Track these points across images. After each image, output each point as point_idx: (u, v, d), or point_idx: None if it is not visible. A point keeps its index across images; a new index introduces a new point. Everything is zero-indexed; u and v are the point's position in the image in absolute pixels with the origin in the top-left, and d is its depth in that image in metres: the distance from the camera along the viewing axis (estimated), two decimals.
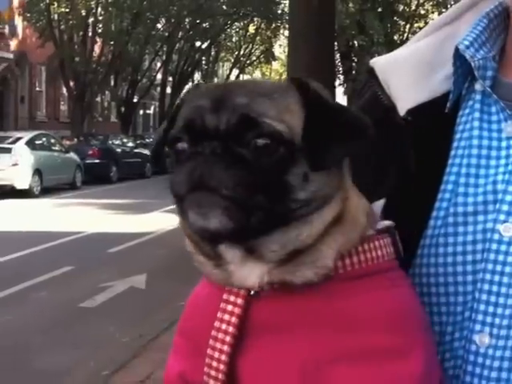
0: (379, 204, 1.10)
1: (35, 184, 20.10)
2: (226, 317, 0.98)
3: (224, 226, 0.90)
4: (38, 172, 20.20)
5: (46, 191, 20.30)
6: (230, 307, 0.98)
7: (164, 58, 39.61)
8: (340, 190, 0.97)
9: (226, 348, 0.97)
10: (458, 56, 1.08)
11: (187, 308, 1.09)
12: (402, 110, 1.12)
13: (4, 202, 18.05)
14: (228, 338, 0.97)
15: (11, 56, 33.13)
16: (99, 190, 21.87)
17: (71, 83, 31.85)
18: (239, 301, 0.97)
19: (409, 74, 1.14)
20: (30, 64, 34.87)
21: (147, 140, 32.59)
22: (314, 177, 0.93)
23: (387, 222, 1.03)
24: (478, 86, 1.09)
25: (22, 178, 19.43)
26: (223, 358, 0.98)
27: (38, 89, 36.74)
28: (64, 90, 34.99)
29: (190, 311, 1.08)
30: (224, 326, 0.98)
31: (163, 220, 13.76)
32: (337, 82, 17.63)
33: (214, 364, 0.98)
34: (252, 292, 0.97)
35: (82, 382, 5.68)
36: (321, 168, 0.93)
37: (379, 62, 1.19)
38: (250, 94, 0.93)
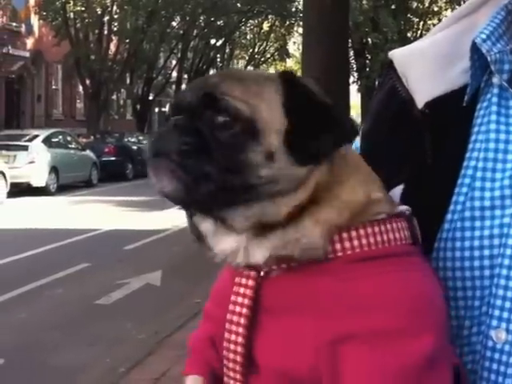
0: (397, 190, 1.10)
1: (52, 182, 20.22)
2: (239, 299, 1.00)
3: (175, 188, 0.95)
4: (54, 169, 20.31)
5: (63, 189, 20.41)
6: (242, 290, 1.00)
7: (179, 55, 39.70)
8: (316, 175, 0.97)
9: (241, 330, 1.00)
10: (476, 49, 1.07)
11: (212, 292, 1.13)
12: (419, 102, 1.11)
13: (21, 200, 18.16)
14: (242, 320, 0.99)
15: (27, 54, 33.36)
16: (115, 187, 21.96)
17: (87, 81, 32.02)
18: (250, 282, 1.00)
19: (427, 66, 1.13)
20: (46, 62, 35.09)
21: None
22: (281, 157, 0.95)
23: (403, 207, 1.03)
24: (495, 80, 1.08)
25: (39, 176, 19.54)
26: (240, 340, 1.00)
27: (54, 87, 36.97)
28: (80, 88, 35.16)
29: (214, 295, 1.12)
30: (238, 309, 1.00)
31: (178, 217, 13.72)
32: (350, 80, 17.55)
33: (232, 347, 1.01)
34: (261, 273, 0.99)
35: (97, 379, 5.68)
36: (304, 162, 0.96)
37: (397, 54, 1.19)
38: (223, 76, 1.01)
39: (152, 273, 9.36)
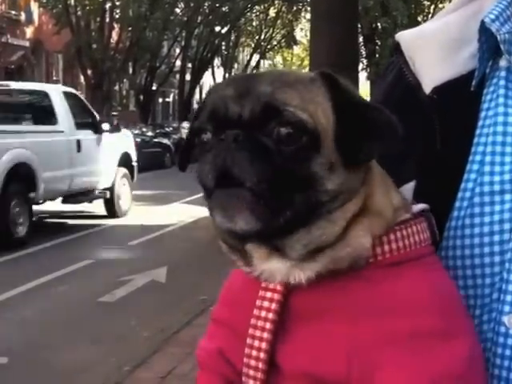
0: (409, 187, 1.11)
1: None
2: (266, 304, 0.99)
3: (252, 228, 0.91)
4: None
5: None
6: (269, 294, 0.99)
7: (183, 43, 39.61)
8: (365, 184, 0.98)
9: (266, 335, 0.98)
10: (484, 31, 1.08)
11: (222, 296, 1.11)
12: (427, 87, 1.13)
13: None
14: (268, 325, 0.98)
15: (27, 44, 33.36)
16: None
17: (89, 71, 31.98)
18: (279, 287, 0.98)
19: (435, 50, 1.14)
20: (46, 52, 35.08)
21: (167, 129, 32.70)
22: (338, 168, 0.94)
23: (422, 206, 1.05)
24: (502, 63, 1.09)
25: None
26: (263, 346, 0.99)
27: (54, 78, 36.91)
28: (81, 78, 35.15)
29: (225, 299, 1.10)
30: (264, 314, 0.99)
31: (184, 212, 13.84)
32: (360, 67, 17.51)
33: (254, 353, 0.99)
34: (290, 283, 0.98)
35: (102, 378, 5.72)
36: (355, 163, 0.95)
37: (405, 37, 1.20)
38: (274, 83, 0.95)
39: (157, 269, 9.40)
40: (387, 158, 1.00)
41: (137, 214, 14.62)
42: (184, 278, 8.81)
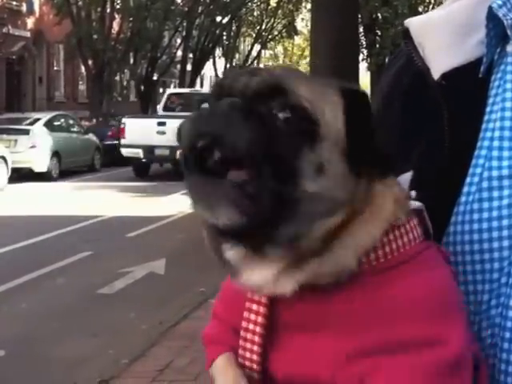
0: (406, 177, 1.09)
1: (53, 167, 20.24)
2: (252, 316, 0.99)
3: (235, 223, 0.86)
4: (56, 154, 20.33)
5: (64, 174, 20.45)
6: (254, 306, 0.99)
7: (184, 34, 39.54)
8: (359, 192, 0.92)
9: (255, 348, 0.99)
10: (492, 17, 1.08)
11: (221, 294, 1.11)
12: (436, 73, 1.13)
13: (22, 186, 18.23)
14: (256, 338, 0.98)
15: (28, 34, 33.32)
16: (118, 172, 21.97)
17: (90, 62, 31.94)
18: (263, 299, 0.97)
19: (444, 36, 1.14)
20: (47, 42, 35.06)
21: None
22: (329, 172, 0.88)
23: (416, 204, 1.01)
24: (510, 49, 1.09)
25: (41, 161, 19.58)
26: (255, 357, 0.99)
27: (55, 68, 36.95)
28: (82, 69, 35.11)
29: (224, 298, 1.10)
30: (251, 327, 0.99)
31: (183, 203, 13.65)
32: (360, 57, 17.44)
33: (247, 363, 1.00)
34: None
35: (99, 371, 5.70)
36: (353, 176, 0.91)
37: (414, 23, 1.20)
38: (286, 70, 0.93)
39: (156, 261, 9.39)
40: (395, 143, 1.00)
41: (135, 205, 14.61)
42: (183, 270, 8.79)
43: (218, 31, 40.89)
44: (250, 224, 0.86)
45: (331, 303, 0.93)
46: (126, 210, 14.01)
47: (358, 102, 0.94)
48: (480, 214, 1.05)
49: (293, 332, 0.96)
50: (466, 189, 1.07)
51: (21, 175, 18.89)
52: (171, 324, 6.85)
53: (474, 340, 1.01)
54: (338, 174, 0.89)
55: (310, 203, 0.88)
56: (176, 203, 14.13)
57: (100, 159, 23.11)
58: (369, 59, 25.06)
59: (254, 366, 0.99)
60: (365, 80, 27.22)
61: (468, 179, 1.07)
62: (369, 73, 25.04)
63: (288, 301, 0.94)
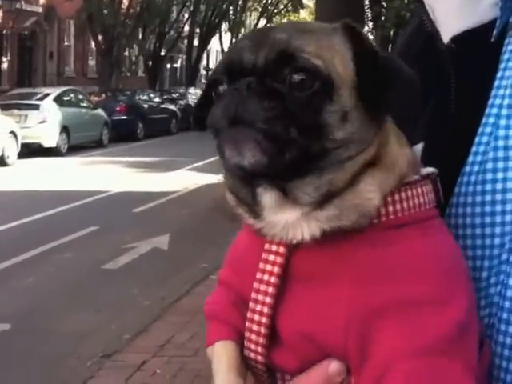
0: (419, 148, 1.06)
1: (62, 142, 20.26)
2: (269, 267, 0.96)
3: (258, 161, 0.88)
4: (65, 129, 20.33)
5: (73, 149, 20.47)
6: (272, 257, 0.96)
7: (191, 8, 39.30)
8: (379, 135, 0.94)
9: (268, 300, 0.95)
10: None
11: (228, 258, 1.08)
12: (445, 36, 1.08)
13: (32, 161, 18.27)
14: (271, 289, 0.95)
15: (40, 10, 33.16)
16: (125, 147, 21.98)
17: (99, 37, 31.79)
18: (281, 249, 0.95)
19: None
20: (58, 18, 34.87)
21: (173, 95, 32.56)
22: (352, 117, 0.91)
23: (430, 169, 0.99)
24: None
25: (50, 136, 19.59)
26: (266, 310, 0.96)
27: (66, 43, 36.80)
28: (92, 44, 34.97)
29: (230, 261, 1.07)
30: (266, 277, 0.96)
31: (188, 178, 13.84)
32: (365, 29, 17.25)
33: (256, 318, 0.97)
34: (294, 241, 0.94)
35: (101, 346, 5.75)
36: (376, 114, 0.92)
37: None
38: (290, 30, 0.93)
39: (160, 236, 9.42)
40: (401, 118, 0.96)
41: (141, 180, 14.63)
42: (186, 246, 8.82)
43: (224, 6, 40.61)
44: (275, 165, 0.89)
45: (347, 254, 0.92)
46: (132, 185, 14.03)
47: (364, 43, 0.94)
48: (483, 185, 0.98)
49: (304, 284, 0.94)
50: (470, 158, 1.00)
51: (30, 150, 18.89)
52: (173, 299, 6.89)
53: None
54: (360, 118, 0.92)
55: (341, 149, 0.91)
56: (181, 179, 14.17)
57: (108, 134, 23.09)
58: (374, 32, 24.76)
59: (264, 320, 0.95)
60: None
61: (473, 148, 1.00)
62: None
63: (305, 251, 0.93)
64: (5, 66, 31.15)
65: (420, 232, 0.94)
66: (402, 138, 0.99)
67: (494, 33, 1.02)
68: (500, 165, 0.98)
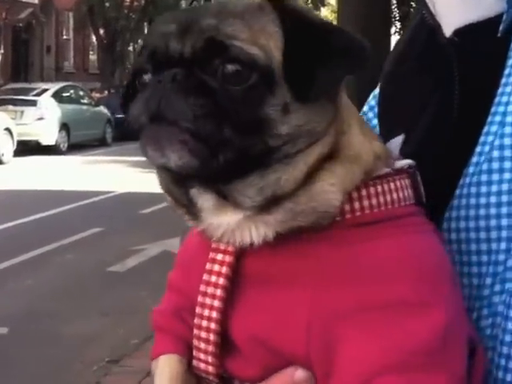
0: (397, 140, 1.06)
1: (62, 140, 20.40)
2: (216, 267, 0.93)
3: (187, 164, 0.85)
4: (65, 127, 20.48)
5: (74, 148, 20.59)
6: (219, 256, 0.93)
7: (202, 2, 39.52)
8: (333, 123, 0.90)
9: (216, 303, 0.93)
10: None
11: (177, 259, 1.06)
12: (447, 29, 1.07)
13: (28, 159, 18.35)
14: (219, 292, 0.93)
15: (36, 1, 33.38)
16: (130, 146, 21.88)
17: (101, 31, 32.00)
18: (230, 248, 0.92)
19: None
20: (56, 10, 35.08)
21: None
22: (296, 108, 0.87)
23: (407, 161, 0.97)
24: None
25: (48, 134, 19.73)
26: (214, 315, 0.93)
27: (65, 37, 37.04)
28: (93, 38, 35.17)
29: (179, 262, 1.06)
30: (214, 279, 0.93)
31: None
32: (392, 30, 17.31)
33: (204, 324, 0.94)
34: (242, 244, 0.92)
35: (108, 351, 5.76)
36: (305, 99, 0.87)
37: None
38: (219, 14, 0.89)
39: (170, 239, 9.39)
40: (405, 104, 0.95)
41: (148, 181, 14.62)
42: None
43: None
44: (208, 168, 0.86)
45: (308, 254, 0.89)
46: (138, 186, 14.01)
47: (289, 12, 0.91)
48: (488, 186, 0.98)
49: (259, 287, 0.91)
50: (474, 159, 1.00)
51: (27, 148, 19.00)
52: None
53: (469, 321, 0.96)
54: (305, 107, 0.87)
55: (287, 145, 0.87)
56: None
57: (111, 133, 23.21)
58: (402, 32, 24.87)
59: (212, 326, 0.93)
60: None
61: (478, 148, 1.00)
62: None
63: (258, 250, 0.90)
64: None
65: (394, 230, 0.92)
66: (366, 127, 0.96)
67: (501, 27, 1.02)
68: (507, 165, 0.97)
